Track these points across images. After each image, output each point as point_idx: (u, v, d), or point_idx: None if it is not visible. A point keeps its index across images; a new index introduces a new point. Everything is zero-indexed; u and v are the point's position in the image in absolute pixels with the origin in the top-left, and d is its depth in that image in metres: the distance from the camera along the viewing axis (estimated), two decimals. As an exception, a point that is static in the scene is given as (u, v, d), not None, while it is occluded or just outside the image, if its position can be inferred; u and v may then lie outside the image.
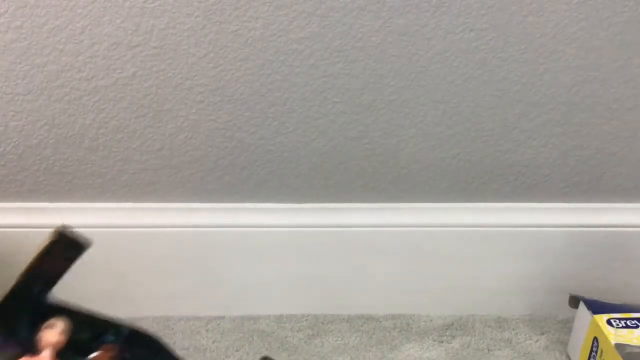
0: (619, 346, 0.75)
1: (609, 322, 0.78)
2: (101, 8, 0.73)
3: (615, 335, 0.76)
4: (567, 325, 0.89)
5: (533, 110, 0.81)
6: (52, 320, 0.39)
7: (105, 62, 0.76)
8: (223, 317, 0.91)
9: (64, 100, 0.78)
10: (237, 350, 0.86)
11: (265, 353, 0.85)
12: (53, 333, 0.39)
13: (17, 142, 0.81)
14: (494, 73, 0.78)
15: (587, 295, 0.85)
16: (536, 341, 0.89)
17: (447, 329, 0.90)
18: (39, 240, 0.49)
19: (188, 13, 0.74)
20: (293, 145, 0.83)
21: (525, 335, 0.90)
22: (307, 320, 0.91)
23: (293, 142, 0.82)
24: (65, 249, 0.46)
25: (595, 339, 0.78)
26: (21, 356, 0.41)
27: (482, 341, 0.88)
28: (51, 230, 0.46)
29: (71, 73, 0.77)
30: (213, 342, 0.87)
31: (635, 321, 0.78)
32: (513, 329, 0.90)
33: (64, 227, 0.45)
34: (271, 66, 0.77)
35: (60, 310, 0.45)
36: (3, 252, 0.85)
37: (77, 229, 0.52)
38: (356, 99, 0.79)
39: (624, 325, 0.77)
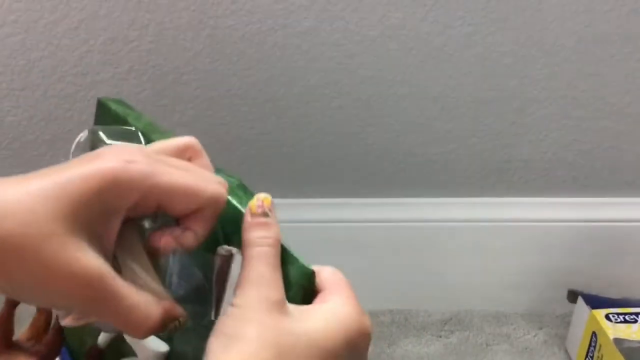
0: (617, 341, 0.75)
1: (607, 316, 0.78)
2: (97, 2, 0.72)
3: (613, 330, 0.76)
4: (565, 320, 0.89)
5: (532, 104, 0.80)
6: None
7: (101, 56, 0.76)
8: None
9: (60, 96, 0.78)
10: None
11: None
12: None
13: (12, 138, 0.81)
14: (492, 67, 0.78)
15: (585, 290, 0.85)
16: (534, 336, 0.89)
17: (445, 324, 0.90)
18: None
19: (184, 7, 0.73)
20: (290, 140, 0.82)
21: (523, 330, 0.90)
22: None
23: (290, 137, 0.82)
24: None
25: (594, 333, 0.78)
26: None
27: (480, 336, 0.88)
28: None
29: (67, 68, 0.76)
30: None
31: (634, 316, 0.78)
32: (511, 324, 0.90)
33: None
34: (268, 61, 0.77)
35: None
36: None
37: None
38: (354, 93, 0.79)
39: (623, 320, 0.77)
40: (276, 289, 0.32)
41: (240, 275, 0.33)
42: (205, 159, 0.35)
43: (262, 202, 0.34)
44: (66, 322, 0.33)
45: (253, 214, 0.34)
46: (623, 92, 0.79)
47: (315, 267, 0.35)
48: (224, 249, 0.36)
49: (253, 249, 0.33)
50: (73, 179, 0.28)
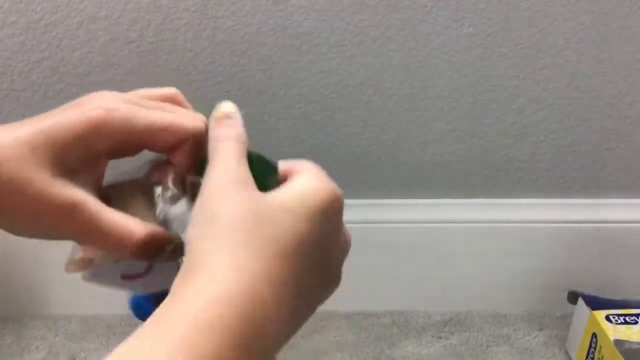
0: (617, 342, 0.74)
1: (607, 318, 0.78)
2: (97, 3, 0.73)
3: (614, 331, 0.76)
4: (565, 321, 0.89)
5: (531, 105, 0.80)
6: None
7: (101, 58, 0.76)
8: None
9: (61, 97, 0.78)
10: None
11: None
12: None
13: (13, 139, 0.81)
14: (492, 68, 0.78)
15: (586, 291, 0.84)
16: (535, 337, 0.89)
17: (445, 325, 0.90)
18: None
19: (185, 8, 0.73)
20: (290, 141, 0.82)
21: (523, 331, 0.89)
22: (305, 316, 0.91)
23: (290, 138, 0.82)
24: None
25: (594, 334, 0.78)
26: None
27: (480, 337, 0.88)
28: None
29: (67, 69, 0.76)
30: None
31: (634, 317, 0.78)
32: (511, 325, 0.90)
33: None
34: (269, 62, 0.77)
35: None
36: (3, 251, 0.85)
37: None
38: (354, 94, 0.79)
39: (623, 321, 0.77)
40: (242, 172, 0.32)
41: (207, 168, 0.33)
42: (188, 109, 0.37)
43: (226, 108, 0.36)
44: (70, 269, 0.36)
45: (217, 118, 0.35)
46: (623, 92, 0.79)
47: (289, 161, 0.36)
48: (195, 177, 0.36)
49: (216, 143, 0.34)
50: (58, 127, 0.32)
